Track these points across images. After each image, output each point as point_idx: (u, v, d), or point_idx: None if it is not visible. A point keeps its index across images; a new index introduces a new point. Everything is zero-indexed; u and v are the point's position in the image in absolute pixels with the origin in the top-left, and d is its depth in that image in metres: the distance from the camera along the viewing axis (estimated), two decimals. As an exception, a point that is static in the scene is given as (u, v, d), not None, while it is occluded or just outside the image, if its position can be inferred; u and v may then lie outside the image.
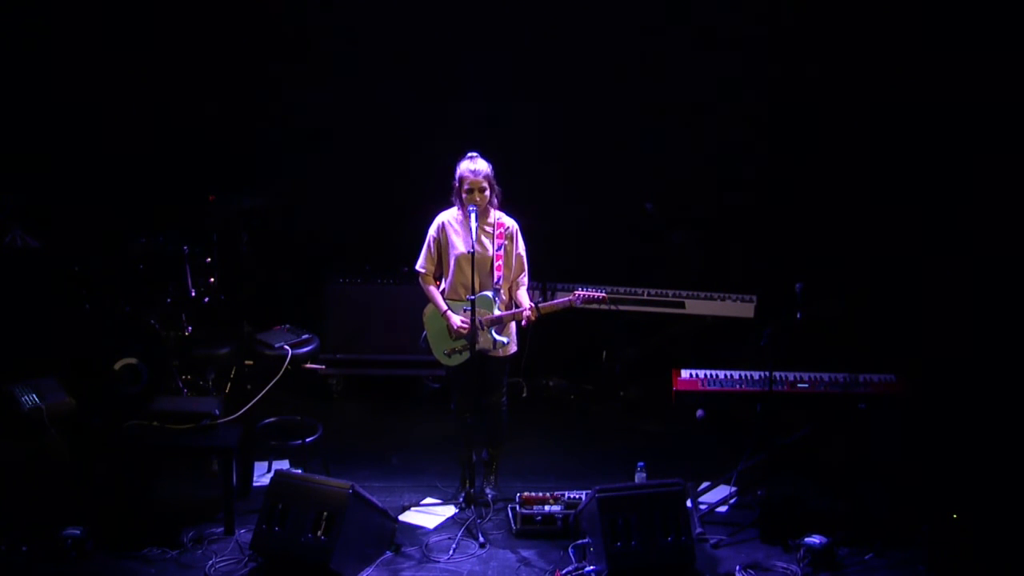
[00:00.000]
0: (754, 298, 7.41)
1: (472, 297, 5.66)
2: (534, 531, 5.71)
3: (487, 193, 5.75)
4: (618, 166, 7.89)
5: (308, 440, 6.31)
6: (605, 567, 5.18)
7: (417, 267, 5.96)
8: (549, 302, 5.89)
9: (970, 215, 7.31)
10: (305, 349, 6.40)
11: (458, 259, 5.82)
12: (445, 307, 5.86)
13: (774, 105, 7.71)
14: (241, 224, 7.43)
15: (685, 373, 6.06)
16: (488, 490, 6.11)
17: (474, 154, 5.81)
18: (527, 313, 5.72)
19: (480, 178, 5.72)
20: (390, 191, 7.86)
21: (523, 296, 5.89)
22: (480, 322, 5.68)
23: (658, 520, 5.27)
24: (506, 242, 5.83)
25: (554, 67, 7.75)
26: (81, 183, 7.61)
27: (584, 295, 5.82)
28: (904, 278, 7.42)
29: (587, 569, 5.30)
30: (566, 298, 5.83)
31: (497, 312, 5.79)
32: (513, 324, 5.94)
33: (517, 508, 5.75)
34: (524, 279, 5.95)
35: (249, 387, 6.98)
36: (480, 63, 7.69)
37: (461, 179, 5.76)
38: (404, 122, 7.84)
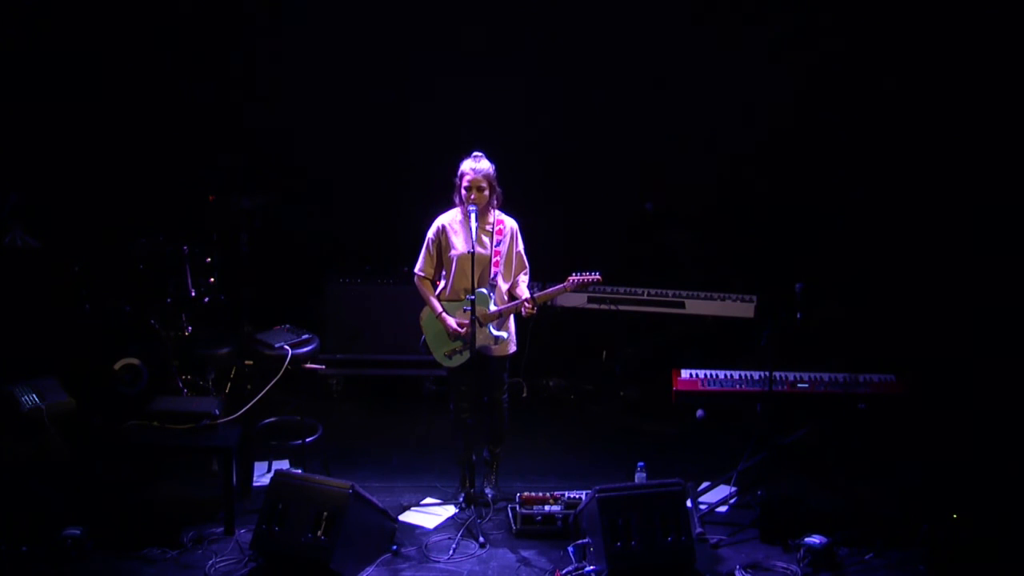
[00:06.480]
0: (754, 298, 7.40)
1: (472, 297, 5.66)
2: (534, 531, 5.71)
3: (487, 193, 5.75)
4: (617, 166, 7.89)
5: (308, 440, 6.31)
6: (605, 567, 5.17)
7: (415, 270, 5.95)
8: (544, 291, 5.89)
9: (970, 215, 7.32)
10: (305, 349, 6.39)
11: (459, 259, 5.81)
12: (440, 309, 5.86)
13: (773, 104, 7.70)
14: (241, 224, 7.43)
15: (685, 373, 6.06)
16: (488, 490, 6.11)
17: (479, 153, 5.81)
18: (527, 305, 5.73)
19: (480, 177, 5.72)
20: (390, 191, 7.87)
21: (521, 290, 5.89)
22: (478, 319, 5.68)
23: (658, 520, 5.26)
24: (506, 239, 5.83)
25: (554, 66, 7.76)
26: (81, 183, 7.61)
27: (577, 279, 5.78)
28: (904, 278, 7.42)
29: (587, 569, 5.30)
30: (560, 284, 5.82)
31: (493, 307, 5.78)
32: (512, 324, 5.94)
33: (517, 508, 5.74)
34: (524, 277, 5.96)
35: (249, 387, 6.97)
36: (480, 62, 7.69)
37: (462, 176, 5.76)
38: (404, 122, 7.84)
